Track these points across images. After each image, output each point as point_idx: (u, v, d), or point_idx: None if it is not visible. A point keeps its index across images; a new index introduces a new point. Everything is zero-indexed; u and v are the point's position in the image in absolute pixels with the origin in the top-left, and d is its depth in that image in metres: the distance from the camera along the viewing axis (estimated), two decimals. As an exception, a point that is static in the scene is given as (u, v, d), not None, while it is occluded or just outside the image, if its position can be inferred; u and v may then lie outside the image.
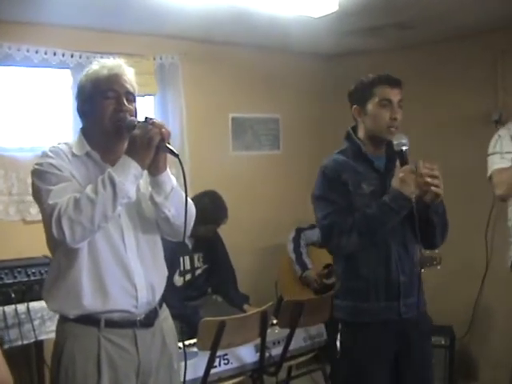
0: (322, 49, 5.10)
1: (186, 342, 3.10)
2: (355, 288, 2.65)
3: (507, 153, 3.32)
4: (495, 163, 3.33)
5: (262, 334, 3.31)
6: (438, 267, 4.05)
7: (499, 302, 4.48)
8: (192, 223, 2.39)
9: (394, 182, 2.53)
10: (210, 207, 3.90)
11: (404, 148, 2.54)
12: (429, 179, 2.45)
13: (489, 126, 4.38)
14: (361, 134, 2.73)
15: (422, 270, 3.96)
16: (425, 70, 4.69)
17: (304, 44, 4.82)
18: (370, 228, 2.55)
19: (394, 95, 2.64)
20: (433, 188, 2.47)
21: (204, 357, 3.13)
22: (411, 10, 3.81)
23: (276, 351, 3.51)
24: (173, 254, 2.49)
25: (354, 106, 2.73)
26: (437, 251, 3.96)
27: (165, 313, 2.41)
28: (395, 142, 2.56)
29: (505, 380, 4.10)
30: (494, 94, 4.43)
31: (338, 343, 2.77)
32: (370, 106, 2.66)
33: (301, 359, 3.69)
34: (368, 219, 2.54)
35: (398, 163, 2.61)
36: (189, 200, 2.30)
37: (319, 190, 2.68)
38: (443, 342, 4.49)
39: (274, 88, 5.12)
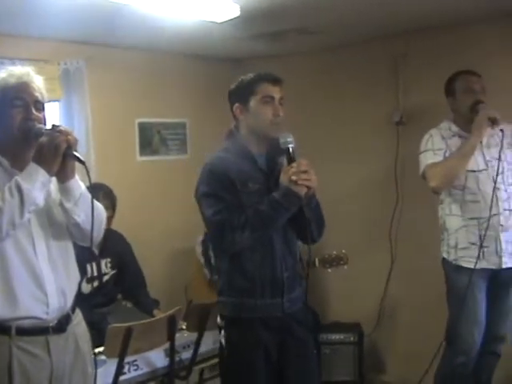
0: (227, 53, 5.13)
1: (96, 350, 3.06)
2: (240, 285, 2.68)
3: (439, 149, 3.50)
4: (428, 159, 3.50)
5: (171, 339, 3.31)
6: (345, 267, 4.19)
7: (404, 298, 4.63)
8: (103, 228, 2.41)
9: (283, 179, 2.57)
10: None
11: (290, 146, 2.58)
12: (294, 177, 2.51)
13: (390, 127, 4.55)
14: (244, 131, 2.76)
15: (329, 270, 4.10)
16: (328, 73, 4.80)
17: (209, 49, 4.84)
18: (263, 224, 2.59)
19: (276, 92, 2.69)
20: (301, 182, 2.52)
21: (113, 364, 3.10)
22: (313, 15, 3.88)
23: (186, 355, 3.51)
24: (78, 260, 2.47)
25: (236, 105, 2.75)
26: (344, 251, 4.10)
27: (78, 317, 2.40)
28: (281, 140, 2.60)
29: (411, 372, 4.26)
30: (395, 97, 4.56)
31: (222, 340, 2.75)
32: (252, 104, 2.69)
33: (211, 362, 3.70)
34: (260, 215, 2.57)
35: (285, 161, 2.63)
36: (98, 205, 2.30)
37: (206, 187, 2.66)
38: (352, 339, 4.62)
39: (181, 92, 5.12)
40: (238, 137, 2.76)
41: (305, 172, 2.53)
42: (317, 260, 4.06)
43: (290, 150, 2.59)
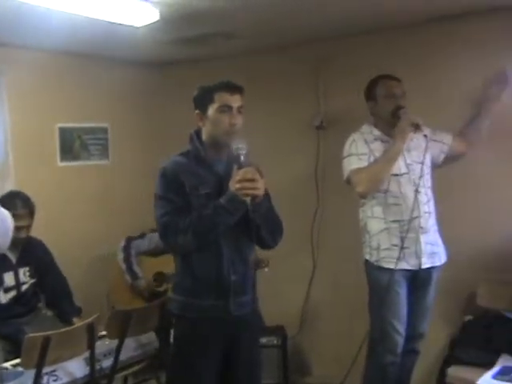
0: (148, 58, 5.10)
1: (13, 362, 2.99)
2: (187, 285, 2.77)
3: (363, 154, 3.52)
4: (352, 164, 3.52)
5: (91, 347, 3.26)
6: (266, 269, 4.22)
7: (327, 300, 4.69)
8: (10, 235, 2.37)
9: (231, 185, 2.62)
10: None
11: (241, 152, 2.64)
12: (238, 185, 2.58)
13: (311, 131, 4.59)
14: (204, 137, 2.81)
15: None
16: (251, 78, 4.79)
17: (130, 53, 4.80)
18: (206, 228, 2.65)
19: (234, 101, 2.75)
20: (246, 191, 2.59)
21: (30, 375, 3.01)
22: (234, 19, 3.89)
23: (107, 363, 3.45)
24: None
25: (196, 111, 2.81)
26: (265, 254, 4.12)
27: None
28: (234, 147, 2.66)
29: (335, 373, 4.33)
30: (316, 101, 4.61)
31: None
32: (210, 112, 2.75)
33: (133, 369, 3.67)
34: (203, 219, 2.64)
35: (235, 167, 2.68)
36: (4, 212, 2.25)
37: (159, 189, 2.75)
38: (276, 342, 4.61)
39: (102, 97, 5.05)
40: (195, 141, 2.82)
41: (250, 180, 2.58)
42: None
43: (241, 157, 2.64)
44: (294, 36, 4.42)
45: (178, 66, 5.20)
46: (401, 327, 3.54)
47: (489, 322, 3.72)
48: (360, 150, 3.54)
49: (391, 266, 3.47)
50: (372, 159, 3.51)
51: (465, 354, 3.62)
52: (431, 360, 3.98)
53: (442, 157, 3.67)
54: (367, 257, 3.62)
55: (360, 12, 3.80)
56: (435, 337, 3.92)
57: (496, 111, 3.71)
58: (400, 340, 3.55)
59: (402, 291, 3.54)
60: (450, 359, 3.70)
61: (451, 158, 3.73)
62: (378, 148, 3.55)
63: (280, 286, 4.72)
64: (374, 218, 3.59)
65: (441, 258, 3.62)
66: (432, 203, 3.61)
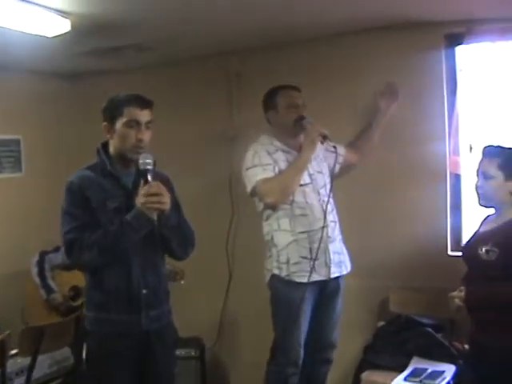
0: (61, 68, 5.01)
1: None
2: (98, 300, 2.73)
3: (267, 165, 3.50)
4: (258, 174, 3.49)
5: (2, 365, 3.18)
6: (182, 282, 4.20)
7: (244, 310, 4.70)
8: None
9: (138, 201, 2.60)
10: None
11: (148, 167, 2.63)
12: (142, 200, 2.58)
13: (225, 143, 4.62)
14: (111, 150, 2.78)
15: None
16: (165, 90, 4.81)
17: (43, 64, 4.70)
18: (110, 245, 2.61)
19: (143, 116, 2.73)
20: (152, 206, 2.58)
21: None
22: (147, 31, 3.89)
23: (20, 381, 3.39)
24: None
25: (104, 124, 2.77)
26: (181, 265, 4.10)
27: None
28: (140, 161, 2.64)
29: (253, 383, 4.34)
30: (229, 114, 4.65)
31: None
32: (118, 125, 2.72)
33: (48, 386, 3.61)
34: (108, 236, 2.60)
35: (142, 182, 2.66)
36: None
37: (65, 204, 2.70)
38: (193, 353, 4.60)
39: (14, 108, 4.91)
40: (101, 154, 2.78)
41: (155, 195, 2.57)
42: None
43: (148, 172, 2.63)
44: (208, 48, 4.45)
45: (92, 78, 5.13)
46: (302, 341, 3.57)
47: (400, 327, 3.82)
48: (264, 161, 3.52)
49: (304, 280, 3.48)
50: (277, 170, 3.51)
51: (378, 359, 3.72)
52: (346, 366, 4.06)
53: (337, 167, 3.70)
54: (276, 271, 3.56)
55: (271, 25, 3.86)
56: (350, 344, 4.02)
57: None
58: (302, 352, 3.59)
59: (310, 304, 3.57)
60: (363, 364, 3.79)
61: (344, 169, 3.82)
62: (281, 158, 3.56)
63: (196, 296, 4.69)
64: (280, 230, 3.56)
65: (347, 267, 3.69)
66: (335, 212, 3.66)
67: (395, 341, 3.76)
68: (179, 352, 4.55)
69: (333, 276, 3.58)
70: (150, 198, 2.57)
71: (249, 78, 4.54)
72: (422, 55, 3.95)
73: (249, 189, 3.55)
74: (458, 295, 2.92)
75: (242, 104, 4.60)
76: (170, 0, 3.28)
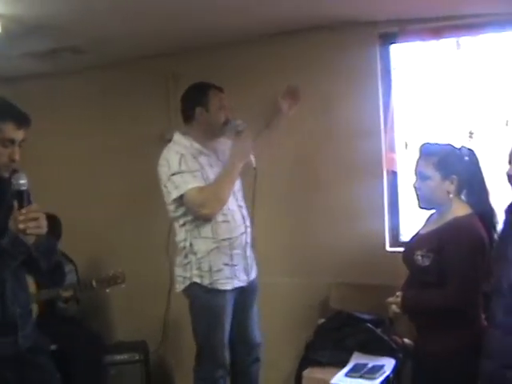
0: (-1, 71, 4.91)
1: None
2: None
3: (196, 171, 3.40)
4: (188, 182, 3.35)
5: None
6: (123, 285, 4.15)
7: (187, 312, 4.67)
8: None
9: (13, 225, 2.37)
10: None
11: (22, 188, 2.39)
12: (21, 226, 2.34)
13: (163, 146, 4.55)
14: None
15: (107, 290, 4.03)
16: (101, 92, 4.76)
17: (-25, 67, 4.61)
18: None
19: (19, 135, 2.48)
20: (30, 231, 2.37)
21: None
22: (79, 34, 3.84)
23: None
24: None
25: None
26: (120, 270, 4.05)
27: None
28: (14, 182, 2.41)
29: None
30: (167, 116, 4.60)
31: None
32: None
33: None
34: None
35: (16, 204, 2.40)
36: None
37: None
38: (137, 357, 4.57)
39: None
40: None
41: (34, 219, 2.37)
42: (94, 281, 3.97)
43: (23, 193, 2.39)
44: (144, 50, 4.41)
45: (27, 81, 5.02)
46: (227, 342, 3.57)
47: (341, 323, 3.84)
48: (192, 167, 3.41)
49: (228, 288, 3.47)
50: (204, 176, 3.43)
51: (319, 356, 3.73)
52: (288, 365, 4.08)
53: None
54: (196, 280, 3.47)
55: (205, 27, 3.86)
56: (291, 342, 4.05)
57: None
58: (228, 354, 3.59)
59: (231, 308, 3.56)
60: (305, 362, 3.79)
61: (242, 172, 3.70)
62: (205, 163, 3.48)
63: (139, 300, 4.67)
64: (201, 237, 3.46)
65: (256, 269, 3.71)
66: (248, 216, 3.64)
67: (336, 337, 3.78)
68: (123, 356, 4.53)
69: (251, 279, 3.62)
70: (30, 223, 2.35)
71: (186, 79, 4.46)
72: (357, 54, 4.01)
73: (175, 195, 3.40)
74: (395, 301, 2.91)
75: (180, 106, 4.55)
76: (102, 1, 3.24)
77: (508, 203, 2.58)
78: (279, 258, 4.21)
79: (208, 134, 3.57)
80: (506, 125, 3.74)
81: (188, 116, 3.60)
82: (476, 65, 3.81)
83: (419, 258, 2.80)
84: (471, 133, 3.84)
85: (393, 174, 4.12)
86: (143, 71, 4.69)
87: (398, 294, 2.92)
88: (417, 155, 2.96)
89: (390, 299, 2.94)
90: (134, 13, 3.49)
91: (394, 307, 2.92)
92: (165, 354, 4.89)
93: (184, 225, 3.49)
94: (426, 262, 2.77)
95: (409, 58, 4.01)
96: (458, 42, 3.83)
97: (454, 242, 2.73)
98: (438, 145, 2.97)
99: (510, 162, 2.48)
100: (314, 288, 4.13)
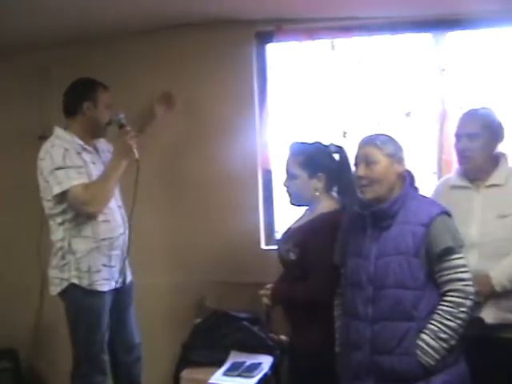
0: None
1: None
2: None
3: (80, 167, 3.31)
4: (73, 178, 3.25)
5: None
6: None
7: (61, 317, 4.49)
8: None
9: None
10: None
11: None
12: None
13: (33, 141, 4.34)
14: None
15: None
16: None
17: None
18: None
19: None
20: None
21: None
22: None
23: None
24: None
25: None
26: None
27: None
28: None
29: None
30: (38, 110, 4.39)
31: None
32: None
33: None
34: None
35: None
36: None
37: None
38: (7, 366, 4.39)
39: None
40: None
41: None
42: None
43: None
44: (13, 43, 4.18)
45: None
46: (106, 345, 3.51)
47: (217, 323, 3.84)
48: (77, 162, 3.32)
49: (105, 289, 3.41)
50: (88, 173, 3.36)
51: (197, 356, 3.71)
52: (166, 366, 4.00)
53: None
54: (75, 281, 3.35)
55: (75, 22, 3.75)
56: (168, 342, 4.00)
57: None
58: (107, 357, 3.53)
59: (109, 310, 3.50)
60: (182, 362, 3.76)
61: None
62: (88, 160, 3.41)
63: (7, 304, 4.43)
64: (81, 237, 3.36)
65: (130, 270, 3.67)
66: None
67: (213, 336, 3.77)
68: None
69: (128, 281, 3.59)
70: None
71: (59, 72, 4.31)
72: (233, 52, 4.02)
73: (56, 191, 3.26)
74: (265, 293, 3.02)
75: (51, 100, 4.33)
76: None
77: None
78: (155, 259, 4.15)
79: (89, 131, 3.48)
80: (378, 125, 3.88)
81: (72, 110, 3.47)
82: (350, 66, 3.92)
83: (287, 252, 2.95)
84: (345, 132, 3.95)
85: (267, 173, 4.17)
86: (13, 63, 4.44)
87: (269, 286, 3.03)
88: (286, 154, 3.08)
89: (261, 291, 3.05)
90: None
91: (264, 299, 3.02)
92: (38, 362, 4.67)
93: (62, 223, 3.36)
94: (293, 256, 2.92)
95: (285, 58, 4.07)
96: (332, 43, 3.93)
97: (316, 236, 2.88)
98: (306, 144, 3.10)
99: (355, 165, 2.67)
100: (190, 287, 4.08)
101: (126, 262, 3.54)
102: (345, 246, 2.77)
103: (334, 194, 3.07)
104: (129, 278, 3.60)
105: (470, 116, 3.13)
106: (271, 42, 4.00)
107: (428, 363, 2.49)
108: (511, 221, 2.84)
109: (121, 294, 3.55)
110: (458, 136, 3.08)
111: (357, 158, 2.70)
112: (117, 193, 3.53)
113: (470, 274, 2.56)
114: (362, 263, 2.64)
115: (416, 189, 2.78)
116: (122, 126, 3.40)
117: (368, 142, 2.70)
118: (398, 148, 2.70)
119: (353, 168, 2.84)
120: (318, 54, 3.95)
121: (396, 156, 2.66)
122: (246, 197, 4.09)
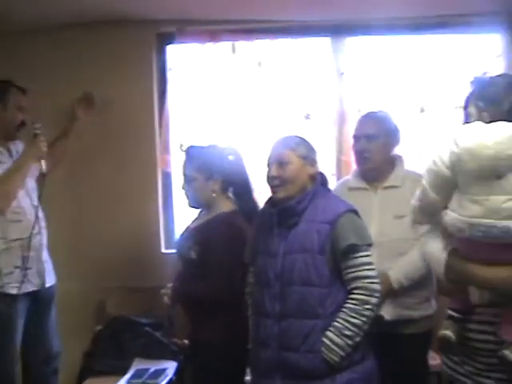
0: None
1: None
2: None
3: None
4: None
5: None
6: None
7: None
8: None
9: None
10: None
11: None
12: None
13: None
14: None
15: None
16: None
17: None
18: None
19: None
20: None
21: None
22: None
23: None
24: None
25: None
26: None
27: None
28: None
29: None
30: None
31: None
32: None
33: None
34: None
35: None
36: None
37: None
38: None
39: None
40: None
41: None
42: None
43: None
44: None
45: None
46: (18, 355, 3.38)
47: (119, 329, 3.77)
48: None
49: (14, 292, 3.28)
50: None
51: (99, 365, 3.63)
52: (67, 377, 3.85)
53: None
54: None
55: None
56: (70, 352, 3.83)
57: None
58: (18, 369, 3.40)
59: (23, 316, 3.38)
60: (84, 372, 3.68)
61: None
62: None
63: None
64: None
65: (54, 275, 3.57)
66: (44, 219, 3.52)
67: (115, 344, 3.70)
68: None
69: (47, 285, 3.46)
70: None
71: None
72: (133, 52, 3.96)
73: None
74: (166, 292, 3.00)
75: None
76: None
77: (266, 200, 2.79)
78: (54, 264, 3.98)
79: (1, 133, 3.39)
80: (278, 127, 3.93)
81: None
82: (250, 69, 3.96)
83: (188, 250, 2.96)
84: (245, 134, 3.98)
85: (167, 175, 4.13)
86: None
87: (169, 285, 3.01)
88: (183, 158, 3.10)
89: (163, 290, 3.02)
90: None
91: (165, 298, 2.99)
92: None
93: None
94: (194, 255, 2.93)
95: (186, 59, 4.04)
96: (233, 45, 3.94)
97: (215, 235, 2.90)
98: (202, 147, 3.13)
99: (268, 165, 2.69)
100: (89, 293, 3.97)
101: (47, 265, 3.45)
102: (255, 245, 2.79)
103: (230, 195, 3.11)
104: (49, 282, 3.47)
105: (368, 118, 3.24)
106: (172, 43, 3.97)
107: (332, 360, 2.49)
108: (407, 221, 2.92)
109: (39, 299, 3.43)
110: (357, 137, 3.17)
111: (270, 158, 2.71)
112: (32, 192, 3.44)
113: (376, 271, 2.59)
114: (271, 261, 2.64)
115: (328, 190, 2.82)
116: (35, 136, 3.34)
117: (282, 143, 2.73)
118: (311, 150, 2.73)
119: (249, 170, 2.92)
120: (219, 57, 3.96)
121: (309, 158, 2.69)
122: (147, 200, 4.04)
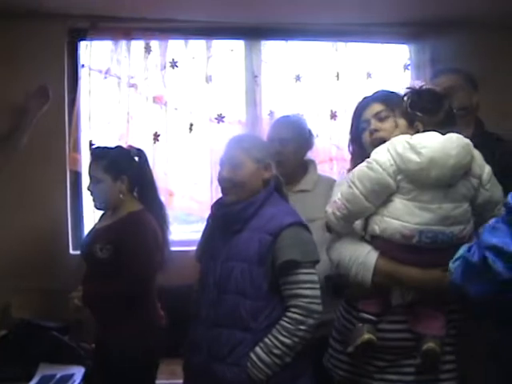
0: None
1: None
2: None
3: None
4: None
5: None
6: None
7: None
8: None
9: None
10: None
11: None
12: None
13: None
14: None
15: None
16: None
17: None
18: None
19: None
20: None
21: None
22: None
23: None
24: None
25: None
26: None
27: None
28: None
29: None
30: None
31: None
32: None
33: None
34: None
35: None
36: None
37: None
38: None
39: None
40: None
41: None
42: None
43: None
44: None
45: None
46: None
47: (23, 334, 3.62)
48: None
49: None
50: None
51: (2, 372, 3.45)
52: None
53: None
54: None
55: None
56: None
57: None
58: None
59: None
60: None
61: None
62: None
63: None
64: None
65: None
66: None
67: (19, 349, 3.55)
68: None
69: None
70: None
71: None
72: (43, 48, 3.80)
73: None
74: (77, 295, 2.92)
75: None
76: None
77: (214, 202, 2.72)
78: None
79: None
80: (190, 128, 3.95)
81: None
82: (164, 68, 3.93)
83: (98, 250, 2.91)
84: (157, 135, 3.93)
85: (76, 175, 4.02)
86: None
87: (80, 288, 2.94)
88: (89, 158, 3.06)
89: (73, 293, 2.94)
90: None
91: (75, 301, 2.92)
92: None
93: None
94: (105, 255, 2.89)
95: (100, 56, 3.93)
96: (148, 44, 3.88)
97: (130, 234, 2.88)
98: (107, 148, 3.10)
99: (220, 165, 2.59)
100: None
101: None
102: (203, 246, 2.74)
103: (136, 194, 3.11)
104: None
105: (283, 122, 3.27)
106: (85, 39, 3.87)
107: (257, 377, 2.37)
108: (318, 225, 2.90)
109: None
110: (271, 141, 3.15)
111: (222, 158, 2.58)
112: None
113: (318, 291, 2.43)
114: (212, 265, 2.54)
115: (282, 196, 2.66)
116: None
117: (236, 143, 2.60)
118: (266, 153, 2.61)
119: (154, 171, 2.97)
120: (133, 55, 3.90)
121: (263, 161, 2.56)
122: (54, 200, 3.92)
